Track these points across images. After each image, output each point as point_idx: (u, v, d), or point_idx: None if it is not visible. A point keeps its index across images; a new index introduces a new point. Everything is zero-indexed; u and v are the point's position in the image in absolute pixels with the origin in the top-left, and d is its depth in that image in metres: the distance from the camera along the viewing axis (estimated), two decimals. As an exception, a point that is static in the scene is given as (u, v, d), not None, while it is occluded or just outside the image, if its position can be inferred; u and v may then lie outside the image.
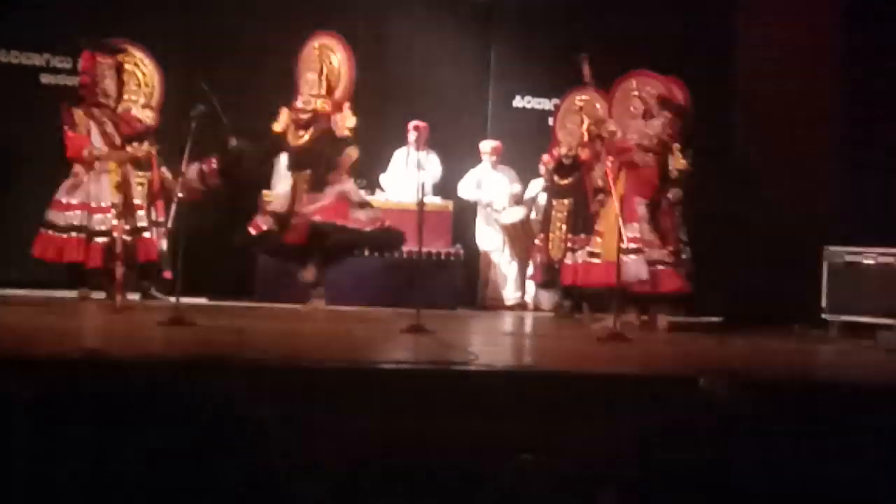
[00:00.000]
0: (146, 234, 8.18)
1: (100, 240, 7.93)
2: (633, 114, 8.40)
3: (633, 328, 7.76)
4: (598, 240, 8.31)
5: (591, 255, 8.39)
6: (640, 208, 7.94)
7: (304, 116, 8.37)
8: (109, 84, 8.20)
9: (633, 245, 7.89)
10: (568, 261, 8.85)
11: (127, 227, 8.04)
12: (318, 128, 8.43)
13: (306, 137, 8.45)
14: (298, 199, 8.26)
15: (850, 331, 8.29)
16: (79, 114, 8.13)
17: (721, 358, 6.78)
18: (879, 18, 9.07)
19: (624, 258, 7.76)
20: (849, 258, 8.51)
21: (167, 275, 8.37)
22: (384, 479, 3.65)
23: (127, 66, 8.44)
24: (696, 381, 3.94)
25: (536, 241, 9.49)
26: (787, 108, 9.24)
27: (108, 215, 7.94)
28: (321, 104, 8.35)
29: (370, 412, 4.61)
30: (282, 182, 8.69)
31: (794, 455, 2.83)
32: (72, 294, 8.27)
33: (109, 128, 8.15)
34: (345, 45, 8.51)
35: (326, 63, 8.48)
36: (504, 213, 9.71)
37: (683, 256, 8.79)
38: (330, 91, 8.41)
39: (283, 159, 8.73)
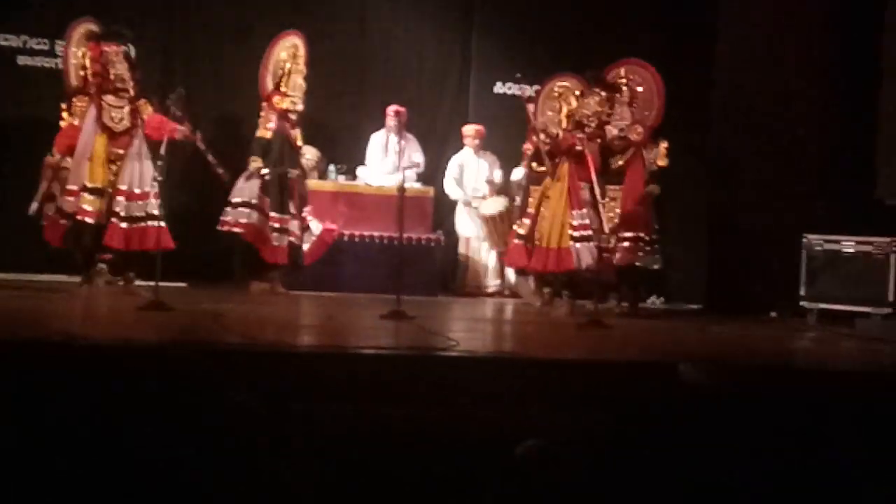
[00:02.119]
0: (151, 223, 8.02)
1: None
2: (619, 101, 8.54)
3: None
4: (526, 221, 8.54)
5: (520, 237, 8.57)
6: (585, 193, 7.99)
7: (294, 117, 8.62)
8: (122, 69, 8.10)
9: (582, 233, 8.06)
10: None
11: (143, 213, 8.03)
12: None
13: (300, 139, 8.80)
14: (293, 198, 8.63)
15: (829, 319, 8.33)
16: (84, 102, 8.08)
17: (700, 345, 6.82)
18: (859, 9, 9.11)
19: (574, 245, 8.10)
20: (827, 246, 8.54)
21: None
22: (364, 467, 3.65)
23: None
24: (675, 367, 3.96)
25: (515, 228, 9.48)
26: (766, 98, 9.26)
27: (153, 199, 7.81)
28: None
29: (350, 398, 4.61)
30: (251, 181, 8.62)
31: (771, 442, 2.85)
32: (50, 278, 8.24)
33: (120, 114, 8.05)
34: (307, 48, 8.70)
35: (304, 66, 8.59)
36: (484, 205, 9.68)
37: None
38: None
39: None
